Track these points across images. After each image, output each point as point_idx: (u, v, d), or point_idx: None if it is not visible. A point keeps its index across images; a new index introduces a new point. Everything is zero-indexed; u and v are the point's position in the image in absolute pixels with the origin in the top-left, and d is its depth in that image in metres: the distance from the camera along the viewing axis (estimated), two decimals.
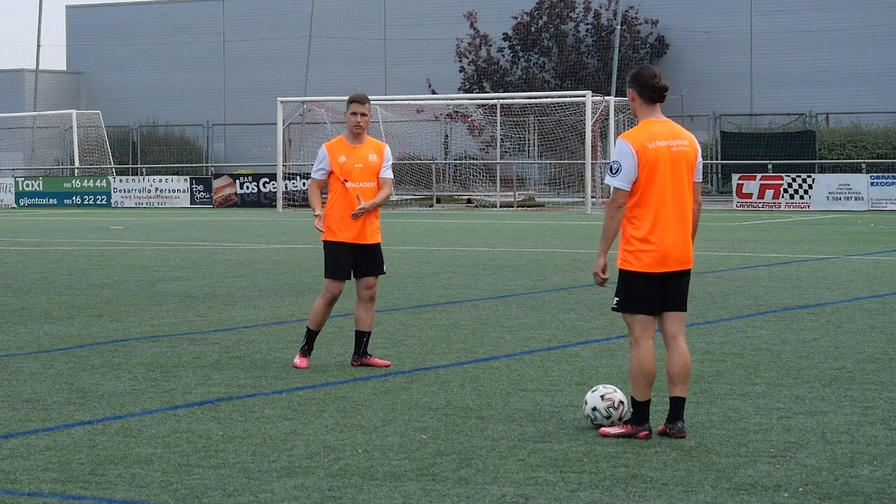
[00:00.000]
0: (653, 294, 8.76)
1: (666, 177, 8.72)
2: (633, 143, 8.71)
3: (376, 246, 11.79)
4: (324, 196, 11.69)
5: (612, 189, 8.89)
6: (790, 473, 7.71)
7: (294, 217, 44.14)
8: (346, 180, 11.61)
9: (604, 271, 8.89)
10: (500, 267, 22.18)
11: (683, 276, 8.87)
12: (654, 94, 8.80)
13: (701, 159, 8.96)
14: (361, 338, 11.76)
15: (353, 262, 11.70)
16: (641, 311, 8.77)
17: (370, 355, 11.83)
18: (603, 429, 8.78)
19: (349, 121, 11.67)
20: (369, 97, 11.90)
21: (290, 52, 66.74)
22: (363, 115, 11.60)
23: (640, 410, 8.72)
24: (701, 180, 8.98)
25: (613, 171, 8.74)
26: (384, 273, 11.94)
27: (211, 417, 9.44)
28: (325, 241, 11.76)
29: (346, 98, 11.77)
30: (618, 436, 8.65)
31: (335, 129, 54.57)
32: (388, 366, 11.63)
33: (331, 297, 11.69)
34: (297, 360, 11.69)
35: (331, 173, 11.67)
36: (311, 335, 11.78)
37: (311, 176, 11.84)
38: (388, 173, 11.77)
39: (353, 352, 11.90)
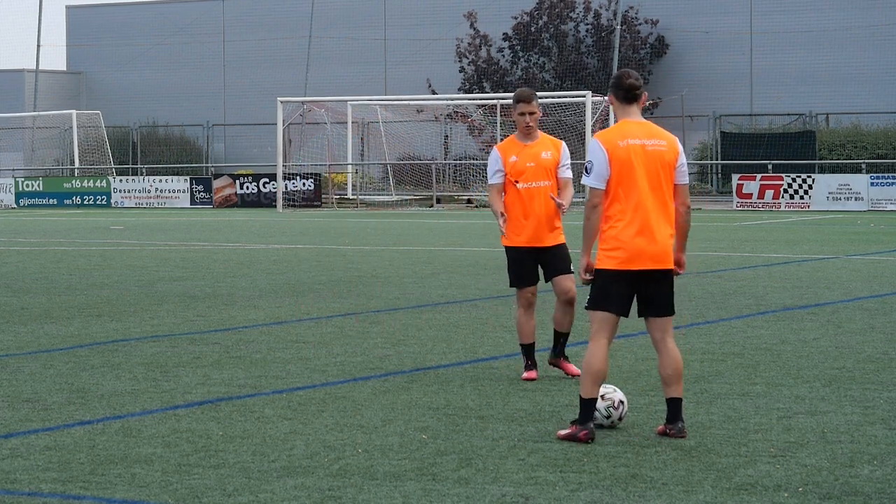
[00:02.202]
0: (623, 294, 8.69)
1: (638, 175, 8.69)
2: (603, 142, 8.74)
3: (559, 247, 11.05)
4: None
5: (587, 189, 8.89)
6: (790, 473, 7.71)
7: (294, 217, 44.15)
8: (516, 181, 10.95)
9: (587, 272, 8.88)
10: (499, 267, 22.13)
11: (662, 277, 8.74)
12: (626, 93, 8.80)
13: (684, 161, 8.86)
14: (558, 338, 11.11)
15: (534, 265, 11.08)
16: (604, 308, 8.71)
17: (566, 357, 11.15)
18: (559, 431, 8.74)
19: (518, 121, 10.99)
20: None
21: (290, 52, 66.73)
22: (531, 113, 10.90)
23: (583, 408, 8.61)
24: (686, 182, 8.88)
25: (588, 171, 8.76)
26: (573, 272, 10.95)
27: (211, 417, 9.44)
28: (505, 248, 11.17)
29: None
30: (565, 437, 8.57)
31: (335, 129, 54.60)
32: (578, 375, 10.74)
33: (525, 303, 11.11)
34: (525, 374, 11.04)
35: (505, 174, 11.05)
36: (525, 349, 11.12)
37: (490, 183, 11.12)
38: (566, 172, 11.05)
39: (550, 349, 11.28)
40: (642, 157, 8.72)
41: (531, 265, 11.10)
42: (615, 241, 8.71)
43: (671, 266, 8.77)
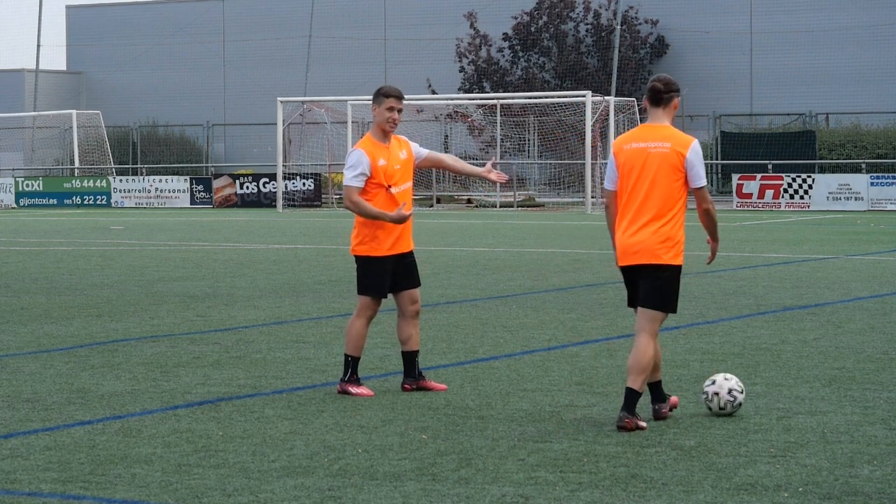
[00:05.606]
0: (632, 288, 9.24)
1: (636, 176, 9.11)
2: (614, 145, 9.29)
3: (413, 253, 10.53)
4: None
5: None
6: (790, 473, 7.71)
7: (294, 217, 44.15)
8: (390, 185, 10.28)
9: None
10: (500, 267, 22.17)
11: (653, 271, 9.08)
12: (650, 94, 9.24)
13: (693, 164, 9.05)
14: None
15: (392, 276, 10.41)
16: (629, 303, 9.37)
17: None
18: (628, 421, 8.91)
19: (386, 118, 10.32)
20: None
21: (290, 52, 66.75)
22: (399, 110, 10.39)
23: (647, 395, 9.15)
24: (700, 185, 9.13)
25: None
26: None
27: (211, 417, 9.44)
28: (367, 257, 10.34)
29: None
30: (636, 428, 8.89)
31: (335, 129, 54.60)
32: (444, 389, 10.43)
33: (373, 315, 10.50)
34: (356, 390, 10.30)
35: (368, 179, 10.25)
36: (357, 362, 10.46)
37: (351, 185, 10.22)
38: (423, 151, 10.64)
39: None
40: (642, 159, 9.10)
41: (390, 274, 10.40)
42: (616, 240, 9.29)
43: (655, 262, 9.04)
